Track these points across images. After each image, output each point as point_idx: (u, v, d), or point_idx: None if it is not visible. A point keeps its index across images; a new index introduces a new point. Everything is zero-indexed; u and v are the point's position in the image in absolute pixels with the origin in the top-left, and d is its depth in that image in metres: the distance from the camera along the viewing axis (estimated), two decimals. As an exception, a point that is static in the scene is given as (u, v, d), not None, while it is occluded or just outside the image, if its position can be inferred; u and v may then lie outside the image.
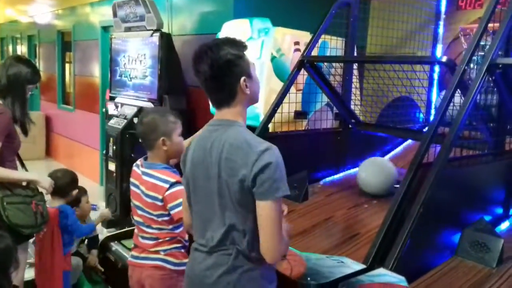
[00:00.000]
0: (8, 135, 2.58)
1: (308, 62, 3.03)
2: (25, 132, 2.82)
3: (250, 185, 1.54)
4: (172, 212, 2.14)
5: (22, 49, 10.45)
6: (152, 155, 2.25)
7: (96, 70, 6.99)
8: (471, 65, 2.23)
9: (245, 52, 1.66)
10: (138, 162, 2.32)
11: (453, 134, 2.06)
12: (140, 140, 2.29)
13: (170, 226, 2.20)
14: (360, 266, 1.92)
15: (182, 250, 2.24)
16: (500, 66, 2.04)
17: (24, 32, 10.10)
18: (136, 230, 2.34)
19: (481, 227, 2.17)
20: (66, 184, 3.09)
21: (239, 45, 1.66)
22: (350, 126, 3.42)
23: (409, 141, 3.74)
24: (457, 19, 4.01)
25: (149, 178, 2.20)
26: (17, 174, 2.70)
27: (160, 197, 2.14)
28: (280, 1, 4.47)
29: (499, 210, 2.53)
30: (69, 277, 3.11)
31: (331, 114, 3.81)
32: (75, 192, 3.18)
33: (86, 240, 3.72)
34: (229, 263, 1.62)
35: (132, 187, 2.29)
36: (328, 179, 3.34)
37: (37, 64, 9.43)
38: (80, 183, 3.46)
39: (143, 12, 4.69)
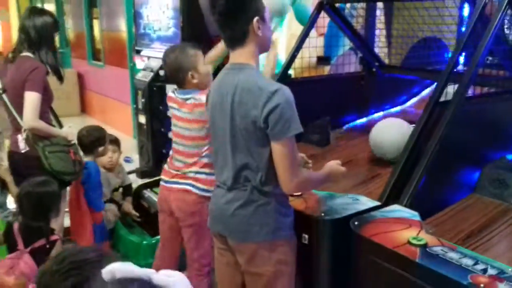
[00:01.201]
0: (44, 87, 2.69)
1: (327, 4, 2.96)
2: (61, 78, 2.92)
3: (262, 126, 1.61)
4: None
5: (50, 7, 10.54)
6: (184, 88, 2.33)
7: (122, 25, 7.03)
8: None
9: None
10: (173, 90, 2.40)
11: (472, 70, 2.02)
12: (170, 79, 2.36)
13: (205, 142, 2.27)
14: (375, 203, 1.96)
15: (210, 178, 2.25)
16: (523, -3, 1.96)
17: (51, -12, 10.16)
18: (173, 153, 2.43)
19: (502, 164, 2.16)
20: (90, 141, 3.16)
21: None
22: (374, 69, 3.38)
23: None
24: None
25: (189, 100, 2.28)
26: (52, 129, 2.81)
27: (203, 109, 2.21)
28: None
29: (523, 148, 2.49)
30: (102, 229, 3.23)
31: (355, 58, 3.76)
32: (101, 148, 3.23)
33: (120, 188, 3.90)
34: (245, 198, 1.72)
35: (171, 110, 2.39)
36: (351, 124, 3.34)
37: (66, 21, 9.56)
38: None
39: (164, -39, 4.65)
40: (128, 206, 3.71)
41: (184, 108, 2.31)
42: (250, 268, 1.77)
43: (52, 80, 2.86)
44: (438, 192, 2.10)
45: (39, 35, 2.73)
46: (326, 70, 3.88)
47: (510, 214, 1.97)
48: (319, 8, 2.98)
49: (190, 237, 2.39)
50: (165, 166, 2.46)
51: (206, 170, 2.29)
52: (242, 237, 1.74)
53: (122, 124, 7.29)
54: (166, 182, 2.41)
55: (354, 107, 3.36)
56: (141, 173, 4.92)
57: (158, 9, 4.98)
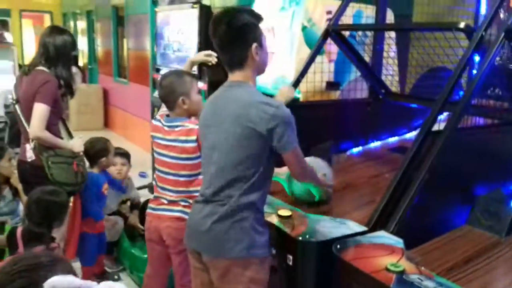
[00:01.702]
0: (54, 100, 2.82)
1: (334, 31, 3.01)
2: (72, 93, 3.04)
3: (266, 136, 1.71)
4: None
5: (81, 25, 10.96)
6: (173, 114, 2.39)
7: (147, 44, 7.25)
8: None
9: (260, 22, 1.82)
10: (158, 117, 2.45)
11: (465, 100, 2.03)
12: (162, 103, 2.44)
13: (198, 171, 2.31)
14: (361, 228, 1.97)
15: None
16: (518, 31, 1.98)
17: (83, 8, 10.57)
18: (157, 182, 2.47)
19: (495, 196, 2.14)
20: (93, 152, 3.25)
21: (256, 15, 1.83)
22: (380, 96, 3.39)
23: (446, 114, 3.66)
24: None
25: (178, 128, 2.33)
26: (58, 141, 2.91)
27: (194, 137, 2.28)
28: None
29: (522, 182, 2.46)
30: (100, 240, 3.30)
31: (365, 84, 3.78)
32: (104, 159, 3.30)
33: (128, 201, 3.98)
34: (222, 213, 1.77)
35: (155, 140, 2.43)
36: (355, 149, 3.34)
37: (96, 39, 9.89)
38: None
39: (184, -15, 4.82)
40: (134, 219, 3.79)
41: (171, 136, 2.34)
42: (223, 284, 1.79)
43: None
44: (428, 221, 2.08)
45: (58, 52, 2.87)
46: (336, 95, 3.90)
47: (500, 247, 1.95)
48: (325, 35, 3.04)
49: (180, 263, 2.41)
50: (153, 195, 2.49)
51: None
52: (216, 252, 1.77)
53: (141, 139, 7.45)
54: (154, 209, 2.42)
55: (359, 133, 3.37)
56: (152, 189, 4.99)
57: (177, 30, 5.14)
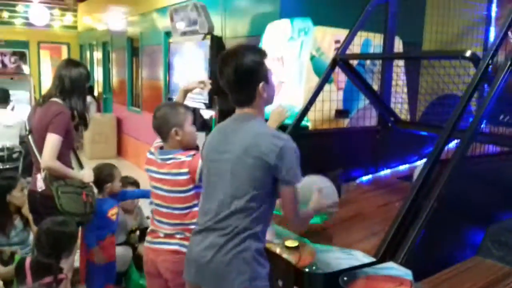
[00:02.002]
0: (67, 131, 2.86)
1: (341, 60, 3.04)
2: (86, 125, 3.09)
3: (274, 169, 1.73)
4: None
5: (97, 56, 11.21)
6: (167, 146, 2.38)
7: (160, 74, 7.38)
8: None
9: (264, 59, 1.84)
10: (152, 149, 2.45)
11: (473, 128, 2.01)
12: (156, 133, 2.44)
13: (192, 203, 2.28)
14: (369, 259, 1.93)
15: None
16: (524, 59, 1.97)
17: (99, 39, 10.83)
18: (153, 215, 2.45)
19: (507, 226, 2.10)
20: (98, 178, 3.21)
21: (261, 53, 1.85)
22: (389, 124, 3.39)
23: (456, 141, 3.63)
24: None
25: (170, 160, 2.32)
26: (68, 171, 2.93)
27: (186, 169, 2.26)
28: (325, 0, 4.50)
29: (536, 211, 2.41)
30: (106, 270, 3.24)
31: (375, 112, 3.78)
32: (108, 185, 3.29)
33: (138, 231, 3.96)
34: (224, 244, 1.75)
35: (149, 173, 2.42)
36: (365, 178, 3.32)
37: (111, 69, 10.11)
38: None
39: (196, 16, 4.92)
40: (143, 250, 3.76)
41: (164, 169, 2.33)
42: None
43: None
44: (438, 251, 2.05)
45: (73, 84, 2.93)
46: (345, 123, 3.91)
47: (510, 279, 1.89)
48: (333, 64, 3.06)
49: None
50: (150, 228, 2.47)
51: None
52: (218, 284, 1.74)
53: (153, 168, 7.49)
54: (152, 243, 2.40)
55: (368, 160, 3.36)
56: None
57: (189, 61, 5.22)
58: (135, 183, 3.87)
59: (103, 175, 3.24)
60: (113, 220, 3.32)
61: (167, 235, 2.34)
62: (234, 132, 1.84)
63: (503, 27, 2.14)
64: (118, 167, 3.46)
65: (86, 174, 2.97)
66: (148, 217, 4.55)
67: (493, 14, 3.79)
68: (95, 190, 3.16)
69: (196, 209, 2.27)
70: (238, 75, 1.78)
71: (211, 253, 1.76)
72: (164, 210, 2.35)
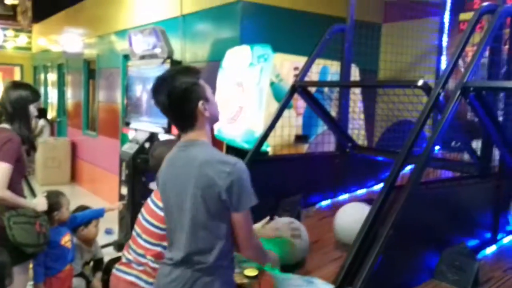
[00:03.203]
0: (17, 159, 2.74)
1: (300, 87, 3.09)
2: (34, 148, 2.97)
3: (224, 197, 1.67)
4: None
5: (52, 78, 10.94)
6: None
7: (118, 97, 7.27)
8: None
9: (199, 78, 1.78)
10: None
11: (426, 154, 2.07)
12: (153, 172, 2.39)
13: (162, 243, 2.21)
14: (329, 287, 1.93)
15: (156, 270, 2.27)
16: (472, 89, 2.06)
17: (55, 60, 10.60)
18: (129, 241, 2.38)
19: (460, 250, 2.15)
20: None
21: (193, 72, 1.79)
22: (347, 150, 3.44)
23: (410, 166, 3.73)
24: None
25: None
26: (20, 200, 2.80)
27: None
28: (285, 28, 4.61)
29: (487, 234, 2.49)
30: None
31: (333, 138, 3.84)
32: (55, 213, 3.18)
33: (92, 262, 3.82)
34: (192, 276, 1.71)
35: (147, 200, 2.38)
36: (324, 203, 3.34)
37: (66, 92, 9.87)
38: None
39: (155, 41, 4.91)
40: (97, 283, 3.63)
41: (155, 196, 2.29)
42: None
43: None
44: (396, 276, 2.07)
45: (13, 108, 2.81)
46: (305, 148, 3.95)
47: (466, 303, 1.94)
48: (291, 90, 3.10)
49: None
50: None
51: (154, 265, 2.23)
52: None
53: (109, 194, 7.29)
54: (117, 269, 2.33)
55: (327, 186, 3.39)
56: (118, 246, 4.85)
57: (148, 85, 5.18)
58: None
59: (49, 203, 3.10)
60: (69, 248, 3.21)
61: (127, 264, 2.27)
62: (181, 163, 1.78)
63: (453, 57, 2.24)
64: (65, 194, 3.36)
65: (39, 203, 2.85)
66: (104, 246, 4.43)
67: (444, 44, 3.97)
68: None
69: (160, 249, 2.20)
70: (173, 100, 1.72)
71: (179, 286, 1.72)
72: (138, 239, 2.30)
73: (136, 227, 2.36)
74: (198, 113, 1.75)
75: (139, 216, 2.35)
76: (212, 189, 1.68)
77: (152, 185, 2.50)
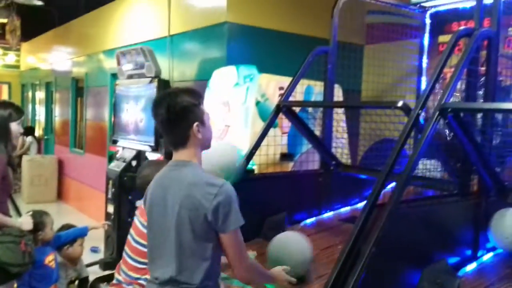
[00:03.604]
0: (2, 177, 2.74)
1: (285, 107, 3.15)
2: (14, 170, 2.97)
3: (211, 218, 1.70)
4: None
5: (40, 95, 10.91)
6: None
7: (105, 115, 7.27)
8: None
9: (200, 102, 1.85)
10: None
11: (407, 173, 2.13)
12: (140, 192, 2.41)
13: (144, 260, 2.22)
14: (312, 304, 1.96)
15: None
16: (450, 110, 2.13)
17: (43, 79, 10.58)
18: (120, 263, 2.40)
19: (440, 267, 2.19)
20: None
21: (196, 95, 1.85)
22: (331, 168, 3.50)
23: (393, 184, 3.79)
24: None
25: None
26: (5, 219, 2.81)
27: None
28: (270, 49, 4.68)
29: (467, 252, 2.54)
30: None
31: (318, 156, 3.90)
32: (39, 233, 3.16)
33: (77, 281, 3.79)
34: None
35: (135, 219, 2.39)
36: (308, 220, 3.38)
37: (54, 110, 9.84)
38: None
39: (143, 60, 4.96)
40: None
41: (142, 217, 2.29)
42: None
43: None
44: (378, 293, 2.10)
45: None
46: (290, 166, 4.00)
47: (446, 319, 1.97)
48: (276, 110, 3.16)
49: None
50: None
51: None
52: None
53: (95, 212, 7.23)
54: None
55: (312, 203, 3.43)
56: (104, 265, 4.82)
57: (135, 103, 5.21)
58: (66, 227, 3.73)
59: (34, 223, 3.09)
60: (52, 268, 3.18)
61: (118, 284, 2.28)
62: (170, 183, 1.81)
63: (432, 78, 2.32)
64: (50, 214, 3.35)
65: (25, 222, 2.85)
66: (89, 265, 4.39)
67: (424, 65, 4.08)
68: None
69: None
70: (171, 114, 1.76)
71: None
72: (129, 260, 2.31)
73: (126, 248, 2.37)
74: (192, 134, 1.79)
75: (128, 237, 2.37)
76: (198, 211, 1.70)
77: (139, 203, 2.50)
